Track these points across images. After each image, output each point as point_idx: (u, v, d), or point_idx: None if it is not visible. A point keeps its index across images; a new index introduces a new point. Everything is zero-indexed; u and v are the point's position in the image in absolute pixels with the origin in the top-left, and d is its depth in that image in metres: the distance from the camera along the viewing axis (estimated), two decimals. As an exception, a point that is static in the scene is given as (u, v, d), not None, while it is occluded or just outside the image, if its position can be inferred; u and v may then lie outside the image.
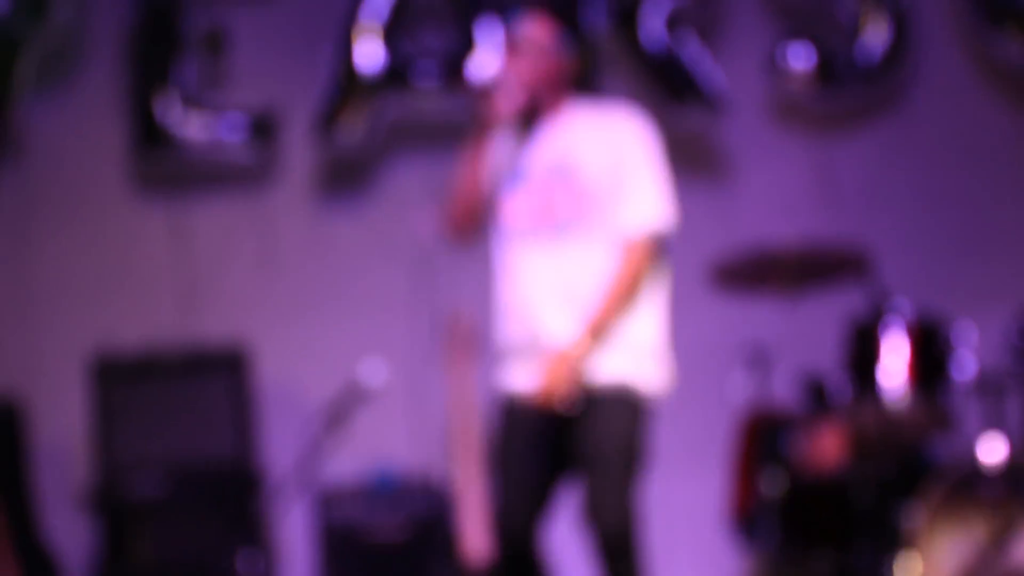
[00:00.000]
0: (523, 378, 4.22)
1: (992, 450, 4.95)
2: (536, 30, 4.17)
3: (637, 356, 4.17)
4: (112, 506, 5.63)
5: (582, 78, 6.02)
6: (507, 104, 4.11)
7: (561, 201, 4.13)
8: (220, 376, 5.81)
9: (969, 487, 4.89)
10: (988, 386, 5.15)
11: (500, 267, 4.27)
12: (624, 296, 4.12)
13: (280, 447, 5.86)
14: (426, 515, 5.63)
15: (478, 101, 4.13)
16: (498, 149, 4.22)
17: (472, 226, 4.26)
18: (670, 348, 4.29)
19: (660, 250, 4.23)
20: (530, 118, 4.17)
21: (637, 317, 4.17)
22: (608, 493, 4.04)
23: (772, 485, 5.19)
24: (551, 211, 4.14)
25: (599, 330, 4.09)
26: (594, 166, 4.14)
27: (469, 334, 5.53)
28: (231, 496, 5.64)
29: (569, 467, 4.18)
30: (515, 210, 4.19)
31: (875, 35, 6.16)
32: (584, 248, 4.15)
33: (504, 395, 4.28)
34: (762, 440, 5.24)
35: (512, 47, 4.16)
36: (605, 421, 4.09)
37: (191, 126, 6.10)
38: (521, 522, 4.14)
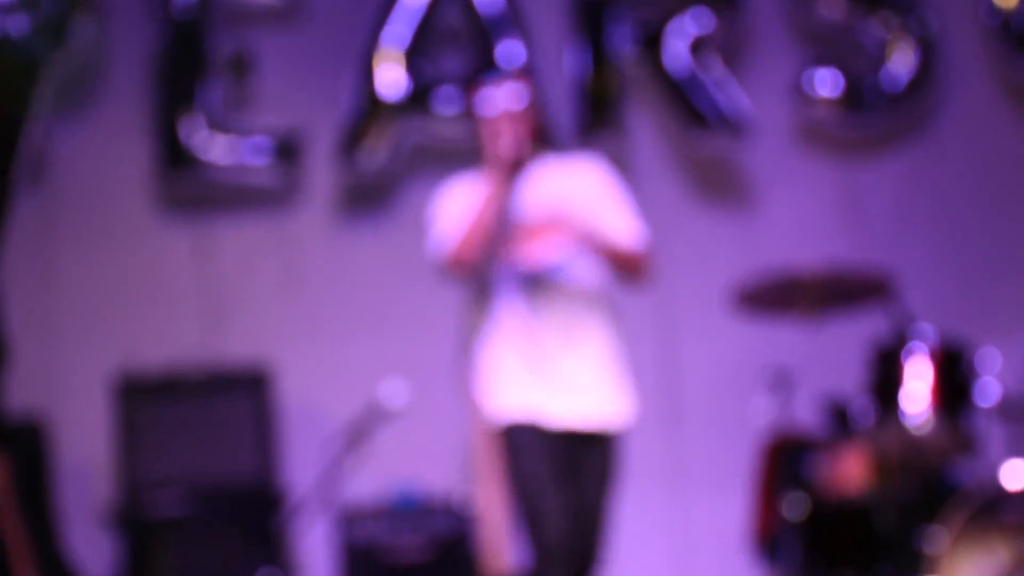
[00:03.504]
0: (525, 404, 4.42)
1: (1015, 475, 4.93)
2: (517, 95, 4.51)
3: (619, 396, 4.48)
4: (135, 524, 5.64)
5: (607, 102, 6.16)
6: (519, 150, 4.47)
7: (554, 239, 4.46)
8: (243, 395, 5.83)
9: (992, 512, 4.87)
10: (1011, 412, 5.14)
11: (499, 301, 4.49)
12: (608, 249, 4.44)
13: (302, 466, 5.87)
14: (447, 535, 5.62)
15: (495, 146, 4.49)
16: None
17: (480, 261, 4.49)
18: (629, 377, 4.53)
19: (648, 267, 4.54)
20: (520, 165, 4.53)
21: (607, 357, 4.47)
22: (594, 542, 4.37)
23: (794, 508, 5.17)
24: (545, 249, 4.45)
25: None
26: (578, 206, 4.49)
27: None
28: (253, 514, 5.65)
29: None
30: (515, 247, 4.48)
31: (901, 61, 6.17)
32: (575, 281, 4.47)
33: (507, 424, 4.43)
34: (785, 463, 5.22)
35: (495, 115, 4.50)
36: (601, 472, 4.41)
37: (216, 148, 6.13)
38: (570, 543, 4.36)
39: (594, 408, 4.42)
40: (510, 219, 4.47)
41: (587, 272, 4.48)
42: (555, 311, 4.42)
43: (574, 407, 4.40)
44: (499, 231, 4.43)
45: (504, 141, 4.44)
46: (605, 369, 4.44)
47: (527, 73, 4.72)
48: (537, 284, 4.44)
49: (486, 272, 4.48)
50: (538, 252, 4.44)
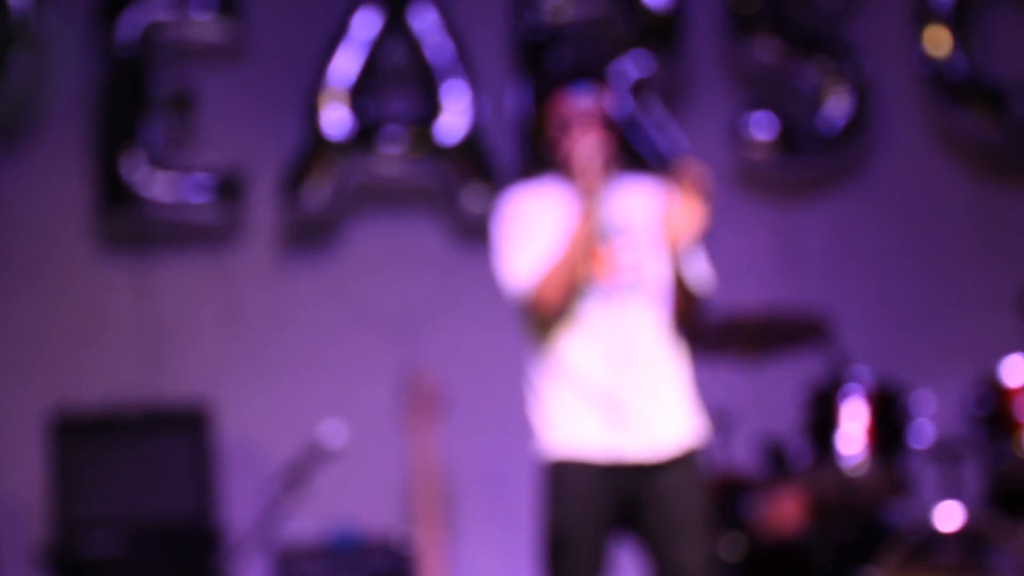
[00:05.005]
0: (596, 438, 4.19)
1: (948, 516, 4.99)
2: (598, 102, 4.26)
3: (690, 414, 4.24)
4: (70, 564, 5.59)
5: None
6: (601, 174, 4.18)
7: (627, 260, 4.20)
8: (181, 434, 5.79)
9: (925, 553, 4.92)
10: (945, 453, 5.20)
11: (572, 331, 4.22)
12: (679, 278, 4.16)
13: (240, 506, 5.84)
14: (386, 575, 5.61)
15: (580, 175, 4.19)
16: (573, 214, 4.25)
17: (570, 300, 4.21)
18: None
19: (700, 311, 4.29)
20: (608, 172, 4.25)
21: (682, 378, 4.24)
22: (695, 555, 4.11)
23: (732, 548, 5.21)
24: (620, 270, 4.19)
25: (679, 249, 4.13)
26: (649, 227, 4.22)
27: (432, 395, 5.55)
28: (190, 555, 5.61)
29: (632, 527, 4.19)
30: (593, 270, 4.21)
31: (837, 106, 6.25)
32: (644, 305, 4.21)
33: (562, 458, 4.21)
34: (723, 504, 5.25)
35: (583, 118, 4.24)
36: (690, 478, 4.16)
37: (157, 185, 6.12)
38: None
39: (671, 434, 4.16)
40: (600, 234, 4.17)
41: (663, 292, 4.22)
42: (634, 332, 4.17)
43: (647, 438, 4.14)
44: (588, 251, 4.13)
45: (592, 145, 4.14)
46: (678, 392, 4.20)
47: (609, 83, 4.37)
48: (619, 302, 4.17)
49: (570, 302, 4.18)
50: (626, 268, 4.18)
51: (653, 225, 4.19)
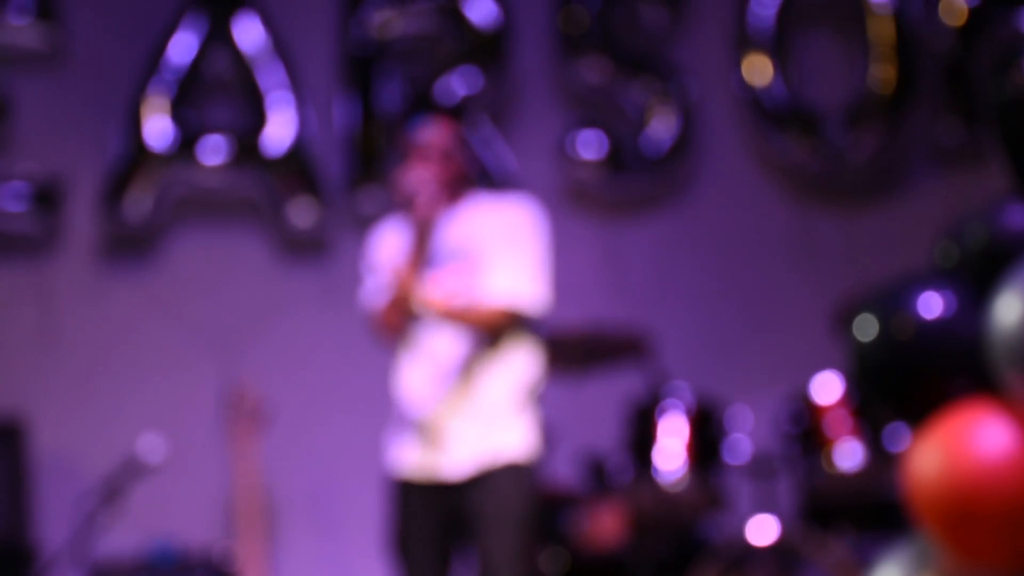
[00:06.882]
0: (415, 459, 4.41)
1: (762, 530, 5.09)
2: (439, 135, 4.44)
3: (512, 430, 4.39)
4: None
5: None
6: (433, 208, 4.37)
7: (459, 285, 4.37)
8: (-6, 448, 5.67)
9: (740, 566, 5.01)
10: (760, 468, 5.30)
11: (402, 349, 4.45)
12: (466, 316, 4.35)
13: (55, 521, 5.72)
14: (204, 591, 5.55)
15: (407, 207, 4.39)
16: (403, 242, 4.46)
17: (404, 325, 4.42)
18: (533, 414, 4.48)
19: (519, 326, 4.45)
20: (434, 214, 4.44)
21: (508, 395, 4.41)
22: (501, 557, 4.29)
23: (553, 562, 5.25)
24: (449, 295, 4.36)
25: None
26: (487, 249, 4.42)
27: (254, 408, 5.50)
28: (4, 570, 5.48)
29: (463, 539, 4.39)
30: (424, 295, 4.39)
31: (662, 127, 6.35)
32: (471, 327, 4.39)
33: (395, 477, 4.44)
34: (544, 518, 5.29)
35: (419, 151, 4.42)
36: (494, 493, 4.33)
37: (-29, 194, 5.98)
38: None
39: (487, 451, 4.34)
40: (431, 261, 4.38)
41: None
42: (460, 353, 4.37)
43: (463, 455, 4.34)
44: (408, 287, 4.34)
45: (419, 180, 4.34)
46: (500, 410, 4.37)
47: (453, 114, 4.59)
48: (449, 325, 4.36)
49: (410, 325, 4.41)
50: (456, 292, 4.35)
51: (490, 243, 4.40)
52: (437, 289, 4.35)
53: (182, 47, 6.15)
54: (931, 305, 2.41)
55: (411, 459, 4.40)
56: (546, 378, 4.65)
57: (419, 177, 4.36)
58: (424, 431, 4.38)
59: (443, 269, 4.40)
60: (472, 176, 4.62)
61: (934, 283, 2.43)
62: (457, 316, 4.35)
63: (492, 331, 4.39)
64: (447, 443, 4.35)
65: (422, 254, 4.37)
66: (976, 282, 2.41)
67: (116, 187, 6.10)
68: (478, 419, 4.37)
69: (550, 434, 5.40)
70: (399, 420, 4.46)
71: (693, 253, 6.45)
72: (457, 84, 6.27)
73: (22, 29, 6.10)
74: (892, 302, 2.44)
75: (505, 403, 4.40)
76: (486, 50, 6.30)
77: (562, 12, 6.38)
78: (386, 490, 4.51)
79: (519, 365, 4.45)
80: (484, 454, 4.35)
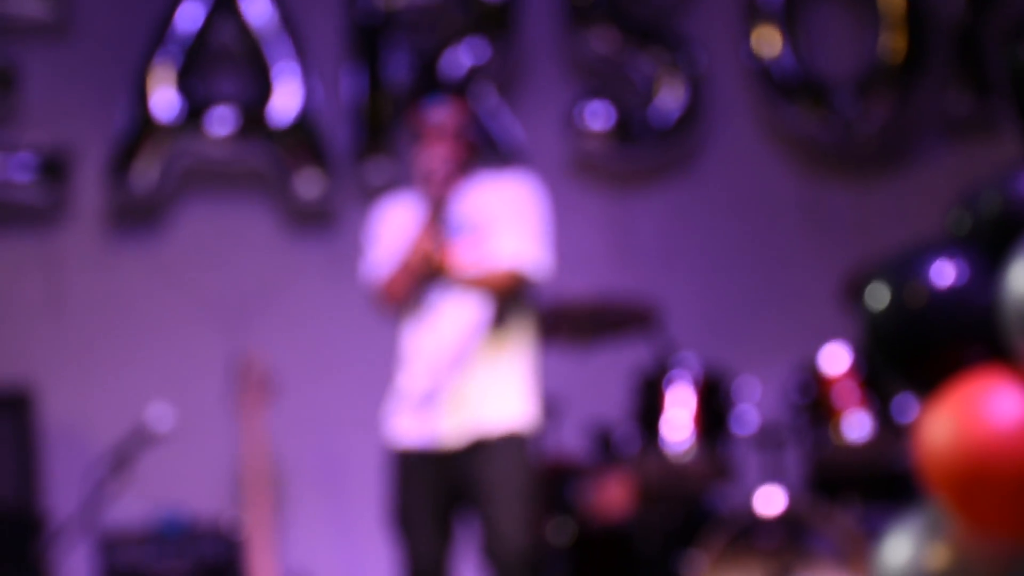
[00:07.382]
0: (414, 428, 4.47)
1: (770, 501, 5.10)
2: (452, 115, 4.58)
3: (511, 399, 4.48)
4: None
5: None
6: (448, 185, 4.52)
7: (469, 257, 4.50)
8: (4, 418, 5.68)
9: (748, 536, 5.02)
10: (768, 439, 5.30)
11: (408, 323, 4.55)
12: (477, 280, 4.48)
13: (64, 490, 5.73)
14: (214, 560, 5.56)
15: (425, 185, 4.53)
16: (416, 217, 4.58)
17: (409, 296, 4.53)
18: (537, 387, 4.58)
19: (522, 294, 4.56)
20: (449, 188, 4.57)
21: (509, 365, 4.50)
22: (505, 526, 4.36)
23: (560, 533, 5.26)
24: (461, 266, 4.50)
25: (446, 268, 4.46)
26: (493, 221, 4.56)
27: (261, 378, 5.51)
28: (12, 540, 5.50)
29: (464, 507, 4.45)
30: (437, 266, 4.51)
31: (671, 98, 6.33)
32: (479, 298, 4.51)
33: (396, 448, 4.51)
34: (551, 489, 5.30)
35: (433, 130, 4.56)
36: (494, 461, 4.40)
37: (-22, 164, 5.98)
38: (433, 569, 4.43)
39: (488, 419, 4.42)
40: (439, 241, 4.50)
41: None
42: (465, 323, 4.46)
43: (463, 423, 4.41)
44: (429, 256, 4.47)
45: (435, 158, 4.49)
46: (503, 379, 4.46)
47: (461, 89, 4.83)
48: (457, 295, 4.47)
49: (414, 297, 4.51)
50: (467, 264, 4.48)
51: (493, 220, 4.53)
52: (460, 256, 4.47)
53: (189, 17, 6.14)
54: (944, 273, 2.40)
55: (410, 428, 4.47)
56: (543, 349, 4.70)
57: (436, 156, 4.50)
58: (424, 399, 4.45)
59: (456, 241, 4.51)
60: (480, 152, 4.75)
61: (947, 251, 2.42)
62: (475, 282, 4.46)
63: (500, 294, 4.48)
64: (447, 411, 4.42)
65: (436, 229, 4.49)
66: (989, 250, 2.40)
67: (123, 158, 6.09)
68: (478, 388, 4.44)
69: (557, 404, 5.42)
70: (399, 389, 4.54)
71: (701, 224, 6.44)
72: (464, 55, 6.25)
73: (29, 0, 6.09)
74: (904, 270, 2.43)
75: (506, 373, 4.48)
76: (493, 20, 6.28)
77: (570, -18, 6.35)
78: (387, 461, 4.54)
79: (520, 336, 4.54)
80: (483, 423, 4.42)
